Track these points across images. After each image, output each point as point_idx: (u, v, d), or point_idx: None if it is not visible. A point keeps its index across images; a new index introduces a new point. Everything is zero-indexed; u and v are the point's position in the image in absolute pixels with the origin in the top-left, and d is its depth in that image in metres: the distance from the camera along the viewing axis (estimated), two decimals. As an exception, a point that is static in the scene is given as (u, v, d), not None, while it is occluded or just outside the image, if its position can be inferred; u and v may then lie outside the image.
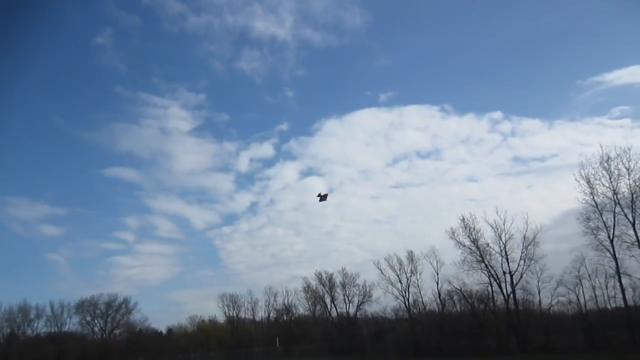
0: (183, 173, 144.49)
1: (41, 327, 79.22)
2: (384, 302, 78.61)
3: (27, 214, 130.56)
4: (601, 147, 44.65)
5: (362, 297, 69.78)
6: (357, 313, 71.11)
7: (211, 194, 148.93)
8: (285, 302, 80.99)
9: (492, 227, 51.73)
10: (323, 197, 54.06)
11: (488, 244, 51.98)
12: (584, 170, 45.40)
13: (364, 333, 69.25)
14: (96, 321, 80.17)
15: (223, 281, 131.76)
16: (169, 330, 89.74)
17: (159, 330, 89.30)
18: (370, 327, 69.17)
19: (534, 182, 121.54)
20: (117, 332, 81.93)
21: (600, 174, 44.01)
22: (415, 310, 61.56)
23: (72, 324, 79.98)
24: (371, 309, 70.37)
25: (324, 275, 73.86)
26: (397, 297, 62.08)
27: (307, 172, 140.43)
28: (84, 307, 79.56)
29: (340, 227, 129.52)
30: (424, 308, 60.82)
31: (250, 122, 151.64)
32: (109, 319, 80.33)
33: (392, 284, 61.88)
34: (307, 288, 75.78)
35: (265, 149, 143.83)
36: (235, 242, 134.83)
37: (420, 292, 60.69)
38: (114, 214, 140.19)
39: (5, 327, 76.35)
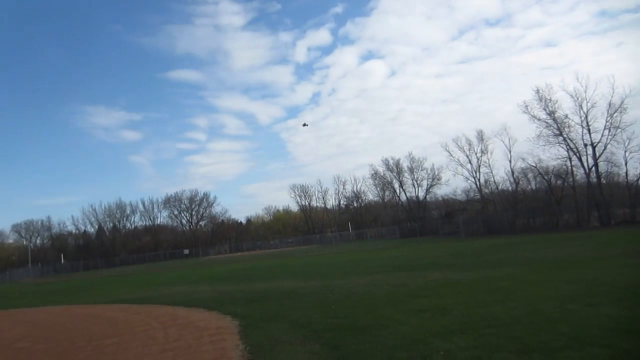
0: (242, 70, 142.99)
1: (137, 220, 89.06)
2: (454, 184, 77.29)
3: (107, 121, 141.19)
4: None
5: (430, 180, 69.54)
6: (427, 196, 71.19)
7: (273, 88, 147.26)
8: (355, 189, 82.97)
9: (571, 96, 46.19)
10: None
11: (567, 116, 47.08)
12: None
13: (434, 215, 69.22)
14: (183, 214, 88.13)
15: (293, 173, 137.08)
16: (248, 220, 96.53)
17: (239, 221, 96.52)
18: (441, 209, 68.77)
19: (624, 39, 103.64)
20: (202, 223, 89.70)
21: None
22: (487, 191, 59.76)
23: (162, 217, 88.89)
24: (441, 191, 70.14)
25: (391, 161, 73.85)
26: (467, 179, 60.54)
27: (367, 56, 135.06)
28: (170, 202, 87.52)
29: (405, 110, 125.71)
30: (496, 187, 58.77)
31: (303, 8, 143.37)
32: (193, 212, 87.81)
33: (461, 165, 60.06)
34: (375, 175, 76.55)
35: (322, 36, 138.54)
36: (301, 135, 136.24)
37: (491, 172, 58.53)
38: (183, 115, 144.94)
39: (108, 222, 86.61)
